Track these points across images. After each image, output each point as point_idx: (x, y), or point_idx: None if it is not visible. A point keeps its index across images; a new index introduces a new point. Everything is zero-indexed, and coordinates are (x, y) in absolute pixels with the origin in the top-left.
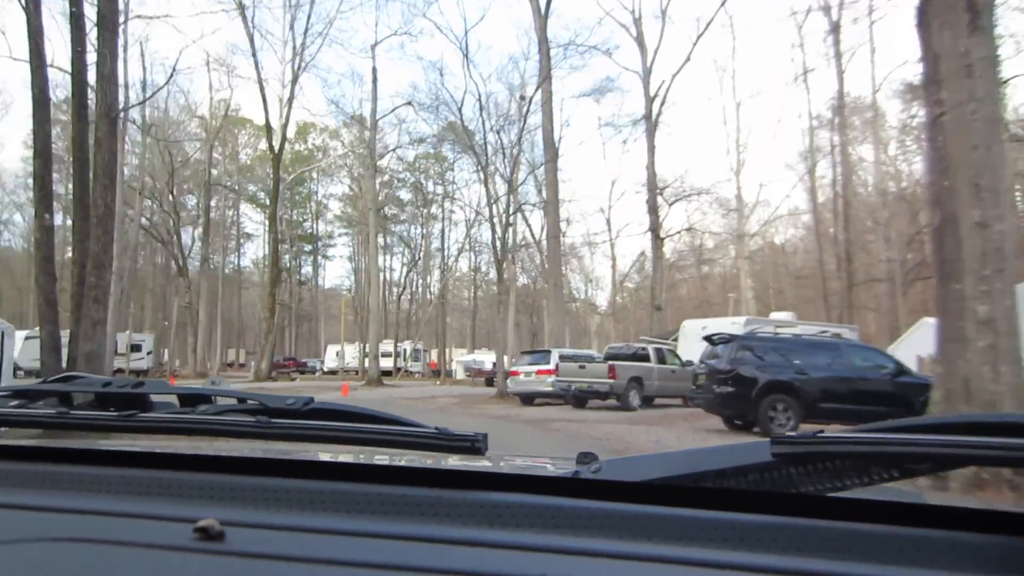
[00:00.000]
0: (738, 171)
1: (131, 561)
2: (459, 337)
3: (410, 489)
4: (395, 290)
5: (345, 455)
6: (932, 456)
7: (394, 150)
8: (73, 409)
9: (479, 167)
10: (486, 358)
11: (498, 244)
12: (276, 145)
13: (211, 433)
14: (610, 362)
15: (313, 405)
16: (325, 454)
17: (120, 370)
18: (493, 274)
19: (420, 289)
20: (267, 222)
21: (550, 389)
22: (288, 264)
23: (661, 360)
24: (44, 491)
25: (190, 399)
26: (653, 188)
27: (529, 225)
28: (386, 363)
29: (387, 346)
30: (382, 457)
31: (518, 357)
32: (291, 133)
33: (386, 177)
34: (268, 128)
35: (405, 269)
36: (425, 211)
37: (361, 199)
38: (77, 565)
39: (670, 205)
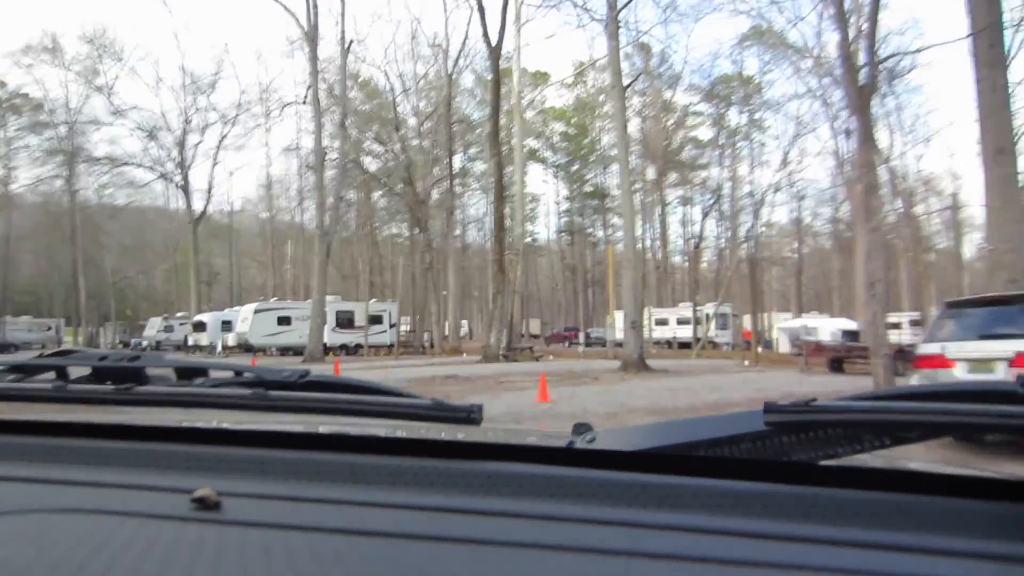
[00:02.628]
0: None
1: (129, 530)
2: (781, 300)
3: (405, 459)
4: (691, 244)
5: (341, 426)
6: (922, 424)
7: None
8: (70, 383)
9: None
10: (823, 324)
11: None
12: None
13: (207, 406)
14: None
15: (309, 377)
16: (321, 426)
17: (355, 347)
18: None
19: (726, 242)
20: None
21: None
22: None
23: None
24: (42, 463)
25: (187, 372)
26: None
27: None
28: (684, 332)
29: (685, 311)
30: (378, 428)
31: (945, 323)
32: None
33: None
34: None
35: (710, 219)
36: (727, 150)
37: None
38: (75, 535)
39: None
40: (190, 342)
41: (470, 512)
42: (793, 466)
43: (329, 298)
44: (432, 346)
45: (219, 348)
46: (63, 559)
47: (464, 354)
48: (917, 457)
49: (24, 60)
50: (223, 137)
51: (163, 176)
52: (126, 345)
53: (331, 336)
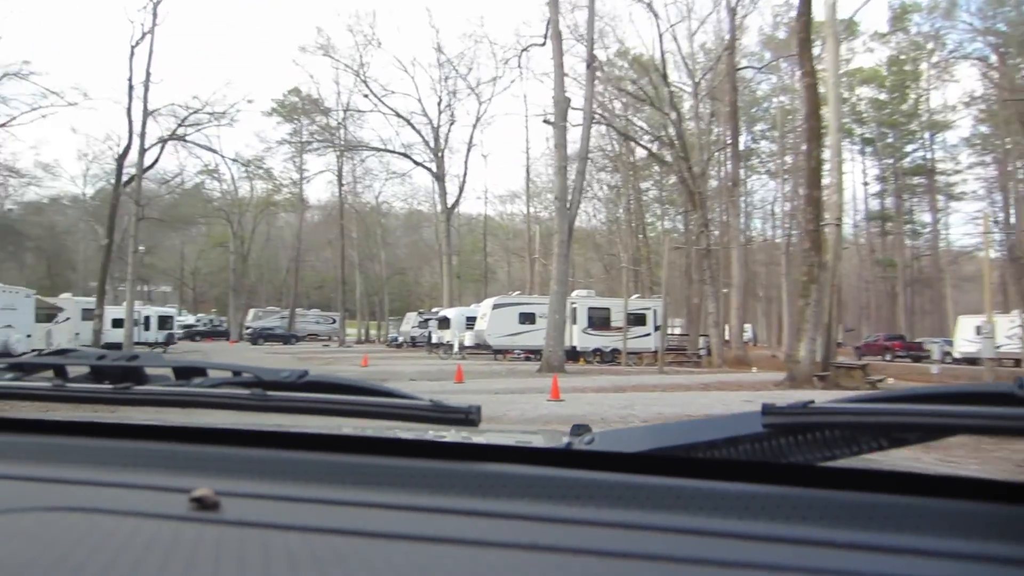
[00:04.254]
0: None
1: (127, 529)
2: None
3: (404, 460)
4: None
5: (339, 427)
6: (920, 426)
7: None
8: (68, 382)
9: None
10: None
11: None
12: None
13: (206, 405)
14: None
15: (308, 378)
16: (320, 426)
17: (611, 352)
18: None
19: None
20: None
21: None
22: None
23: None
24: (39, 462)
25: (185, 372)
26: None
27: None
28: None
29: None
30: (376, 429)
31: None
32: None
33: None
34: None
35: None
36: None
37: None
38: (73, 533)
39: None
40: (434, 339)
41: (468, 513)
42: (791, 468)
43: (580, 292)
44: (709, 354)
45: (456, 348)
46: (61, 558)
47: (753, 368)
48: (915, 459)
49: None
50: (478, 119)
51: (419, 164)
52: (394, 340)
53: (582, 338)
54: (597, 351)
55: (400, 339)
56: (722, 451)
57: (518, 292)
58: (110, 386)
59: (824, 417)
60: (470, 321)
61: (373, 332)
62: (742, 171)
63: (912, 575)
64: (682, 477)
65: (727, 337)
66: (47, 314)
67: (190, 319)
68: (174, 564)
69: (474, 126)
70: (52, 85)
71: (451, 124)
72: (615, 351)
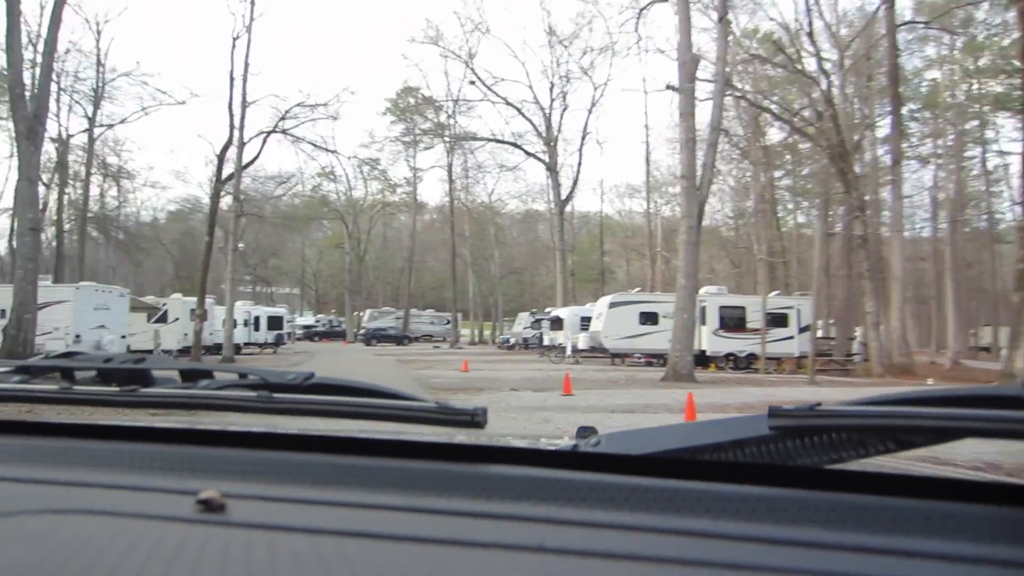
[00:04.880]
0: None
1: (134, 531)
2: None
3: (410, 462)
4: None
5: (345, 429)
6: (928, 428)
7: None
8: (75, 385)
9: None
10: None
11: None
12: None
13: (212, 408)
14: None
15: (314, 380)
16: (325, 429)
17: (747, 357)
18: None
19: None
20: None
21: None
22: None
23: None
24: (46, 465)
25: (191, 374)
26: None
27: None
28: None
29: None
30: (382, 431)
31: None
32: None
33: None
34: None
35: None
36: None
37: None
38: (79, 536)
39: None
40: (546, 341)
41: (474, 515)
42: (798, 470)
43: (710, 289)
44: (865, 360)
45: (569, 350)
46: (68, 560)
47: (929, 380)
48: (923, 461)
49: (409, 51)
50: (593, 104)
51: (531, 155)
52: (505, 342)
53: (712, 341)
54: (730, 356)
55: (512, 340)
56: (728, 454)
57: (638, 289)
58: (117, 388)
59: (831, 420)
60: (584, 322)
61: (487, 333)
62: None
63: None
64: (688, 479)
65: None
66: (156, 315)
67: (310, 320)
68: (180, 566)
69: (589, 111)
70: (162, 86)
71: (564, 111)
72: (751, 356)
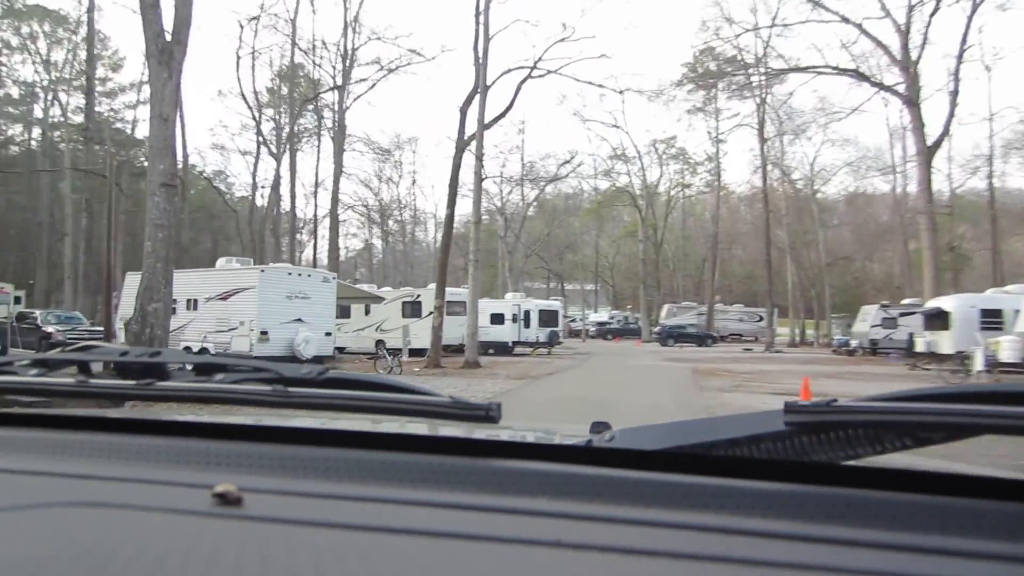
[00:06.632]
0: None
1: (150, 524)
2: None
3: (424, 457)
4: None
5: (360, 423)
6: (946, 425)
7: None
8: (92, 378)
9: None
10: None
11: None
12: None
13: (227, 402)
14: None
15: (329, 374)
16: (341, 422)
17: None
18: None
19: None
20: None
21: None
22: None
23: None
24: (63, 457)
25: (207, 368)
26: None
27: None
28: None
29: None
30: (397, 425)
31: None
32: None
33: None
34: None
35: None
36: None
37: None
38: (96, 529)
39: None
40: (920, 346)
41: (488, 510)
42: (814, 466)
43: None
44: None
45: (980, 363)
46: (85, 553)
47: None
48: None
49: None
50: (975, 5)
51: (880, 87)
52: (843, 345)
53: None
54: None
55: (852, 343)
56: (744, 449)
57: None
58: (133, 382)
59: (848, 416)
60: (990, 318)
61: (810, 332)
62: None
63: (937, 575)
64: (703, 475)
65: None
66: (411, 309)
67: (603, 316)
68: (197, 559)
69: (969, 18)
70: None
71: (932, 16)
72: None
